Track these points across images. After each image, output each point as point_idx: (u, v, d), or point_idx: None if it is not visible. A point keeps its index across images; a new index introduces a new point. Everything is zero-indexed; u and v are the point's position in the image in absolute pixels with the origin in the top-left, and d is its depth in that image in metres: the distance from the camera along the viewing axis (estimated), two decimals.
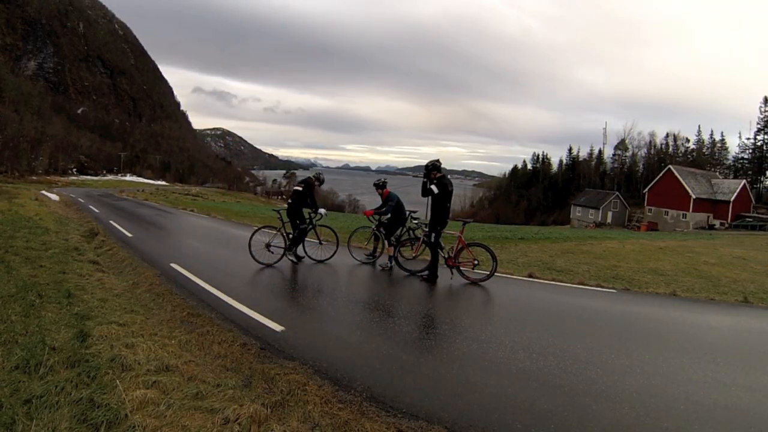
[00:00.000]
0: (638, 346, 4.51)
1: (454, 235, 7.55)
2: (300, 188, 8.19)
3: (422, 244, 7.65)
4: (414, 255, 8.02)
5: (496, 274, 7.14)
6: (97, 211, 18.83)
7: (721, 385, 3.65)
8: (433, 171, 7.12)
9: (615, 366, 3.92)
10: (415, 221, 8.26)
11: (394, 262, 8.01)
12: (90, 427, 2.67)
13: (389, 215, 8.26)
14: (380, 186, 8.56)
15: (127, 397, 2.95)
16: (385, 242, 8.42)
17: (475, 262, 7.29)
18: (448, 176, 7.34)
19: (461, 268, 7.30)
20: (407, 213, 8.36)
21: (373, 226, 8.69)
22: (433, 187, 7.04)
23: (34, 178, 54.62)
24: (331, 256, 8.40)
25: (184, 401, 3.03)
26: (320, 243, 8.53)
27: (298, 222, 8.13)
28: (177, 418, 2.80)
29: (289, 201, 8.26)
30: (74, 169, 74.14)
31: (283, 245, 8.13)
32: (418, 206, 8.77)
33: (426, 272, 7.33)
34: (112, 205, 23.21)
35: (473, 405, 3.16)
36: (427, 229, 7.34)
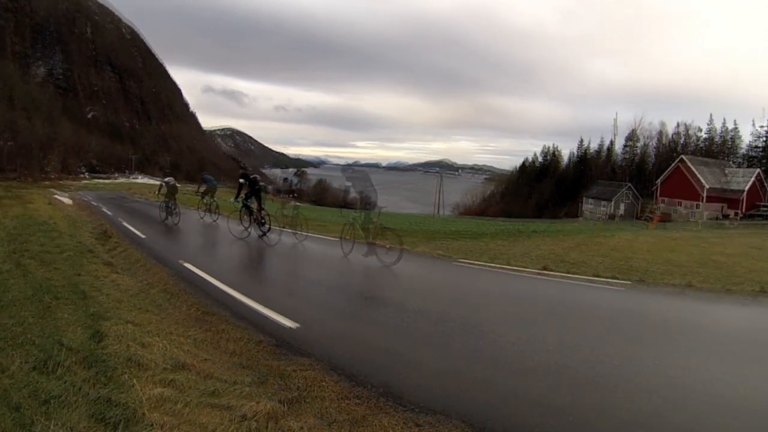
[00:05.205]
0: (654, 337, 4.45)
1: (372, 220, 8.29)
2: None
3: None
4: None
5: (506, 269, 7.09)
6: (109, 213, 18.99)
7: (740, 376, 3.58)
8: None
9: (631, 358, 3.87)
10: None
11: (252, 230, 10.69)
12: (108, 426, 2.68)
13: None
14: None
15: (143, 395, 2.97)
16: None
17: (387, 246, 8.07)
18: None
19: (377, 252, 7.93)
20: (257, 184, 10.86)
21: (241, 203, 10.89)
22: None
23: (47, 183, 55.29)
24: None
25: (200, 399, 3.04)
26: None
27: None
28: (194, 416, 2.81)
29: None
30: (85, 172, 75.04)
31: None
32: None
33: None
34: (124, 206, 23.39)
35: (490, 399, 3.13)
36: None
